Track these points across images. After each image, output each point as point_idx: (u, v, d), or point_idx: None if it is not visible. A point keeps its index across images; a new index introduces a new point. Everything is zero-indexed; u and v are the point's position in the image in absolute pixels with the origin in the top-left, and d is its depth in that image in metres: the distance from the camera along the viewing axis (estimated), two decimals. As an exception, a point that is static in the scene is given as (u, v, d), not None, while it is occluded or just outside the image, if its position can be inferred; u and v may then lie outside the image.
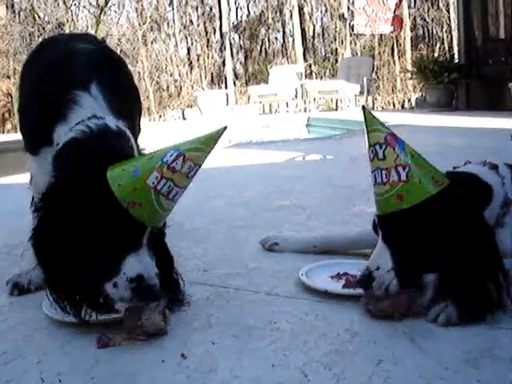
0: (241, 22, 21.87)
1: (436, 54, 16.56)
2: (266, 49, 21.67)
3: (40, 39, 17.36)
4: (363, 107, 1.83)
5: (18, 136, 2.34)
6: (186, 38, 21.04)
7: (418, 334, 1.60)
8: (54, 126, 1.85)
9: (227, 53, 18.93)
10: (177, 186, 1.59)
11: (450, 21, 19.21)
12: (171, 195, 1.59)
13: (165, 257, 1.83)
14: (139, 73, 18.77)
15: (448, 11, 19.34)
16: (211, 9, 21.16)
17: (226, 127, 1.65)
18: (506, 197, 1.86)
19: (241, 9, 21.90)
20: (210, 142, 1.63)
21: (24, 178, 2.43)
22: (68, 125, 1.80)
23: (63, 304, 1.66)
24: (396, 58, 19.36)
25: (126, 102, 2.01)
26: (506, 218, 1.86)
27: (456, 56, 12.92)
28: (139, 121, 2.17)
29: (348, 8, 18.20)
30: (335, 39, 20.44)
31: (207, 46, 20.73)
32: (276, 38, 21.76)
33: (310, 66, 20.01)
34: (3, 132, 15.92)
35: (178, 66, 20.07)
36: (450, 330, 1.61)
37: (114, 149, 1.71)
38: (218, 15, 20.52)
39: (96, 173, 1.60)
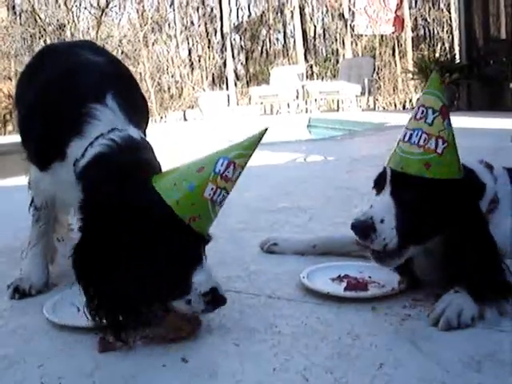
0: (242, 22, 21.87)
1: (437, 55, 16.57)
2: (267, 49, 21.68)
3: (41, 41, 17.42)
4: (436, 71, 1.85)
5: (19, 138, 2.34)
6: (187, 39, 21.05)
7: (420, 338, 1.59)
8: (67, 140, 1.82)
9: (228, 54, 18.94)
10: (227, 193, 1.62)
11: (451, 21, 19.20)
12: (223, 202, 1.62)
13: None
14: (140, 74, 18.78)
15: (449, 11, 19.32)
16: (212, 10, 21.18)
17: (267, 129, 1.66)
18: (494, 195, 1.92)
19: (242, 9, 21.91)
20: (253, 145, 1.65)
21: (24, 180, 2.43)
22: (85, 139, 1.77)
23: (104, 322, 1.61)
24: (397, 58, 19.35)
25: (140, 113, 2.00)
26: (491, 216, 1.90)
27: (457, 56, 12.91)
28: (145, 130, 2.17)
29: (349, 8, 18.20)
30: (336, 40, 20.43)
31: (208, 47, 20.74)
32: (277, 39, 21.77)
33: (311, 66, 20.01)
34: (4, 133, 15.93)
35: (179, 67, 20.09)
36: (451, 333, 1.61)
37: (146, 160, 1.72)
38: (218, 16, 20.54)
39: (142, 187, 1.59)
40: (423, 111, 1.78)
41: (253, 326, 1.73)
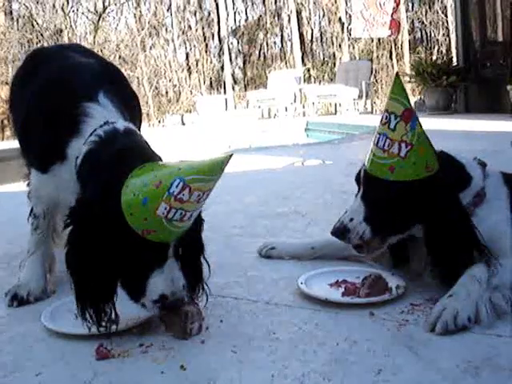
0: (239, 26, 21.88)
1: (434, 57, 16.56)
2: (264, 53, 21.69)
3: (38, 46, 17.41)
4: (397, 74, 1.95)
5: (17, 144, 2.34)
6: (185, 43, 21.08)
7: (418, 343, 1.60)
8: (67, 141, 1.86)
9: (226, 58, 18.98)
10: (188, 212, 1.58)
11: (447, 24, 19.24)
12: (185, 218, 1.58)
13: (195, 264, 1.84)
14: (138, 78, 18.80)
15: (446, 14, 19.37)
16: (209, 14, 21.20)
17: (231, 155, 1.57)
18: (480, 189, 2.00)
19: (239, 13, 21.92)
20: (214, 170, 1.56)
21: (23, 186, 2.43)
22: (82, 137, 1.82)
23: (87, 315, 1.67)
24: (394, 61, 19.38)
25: (131, 108, 2.04)
26: (477, 210, 1.97)
27: (454, 59, 12.92)
28: (140, 127, 2.18)
29: (346, 12, 18.23)
30: (333, 43, 20.46)
31: (206, 51, 20.76)
32: (274, 43, 21.79)
33: (309, 70, 20.03)
34: (2, 139, 15.91)
35: (176, 71, 20.10)
36: (449, 338, 1.61)
37: (127, 151, 1.73)
38: (216, 20, 20.57)
39: (111, 192, 1.60)
40: (387, 116, 1.88)
41: (251, 332, 1.73)
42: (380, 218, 1.94)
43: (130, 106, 2.04)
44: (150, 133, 12.19)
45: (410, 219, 1.93)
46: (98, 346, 1.63)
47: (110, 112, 1.87)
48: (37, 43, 18.38)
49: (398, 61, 19.38)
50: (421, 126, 1.88)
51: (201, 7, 21.25)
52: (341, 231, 1.97)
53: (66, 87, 1.96)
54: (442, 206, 1.88)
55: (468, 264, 1.83)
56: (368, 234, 1.95)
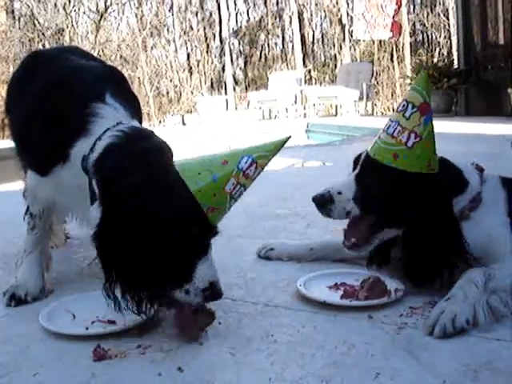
0: (240, 27, 21.89)
1: (435, 60, 16.57)
2: (265, 54, 21.69)
3: (40, 45, 17.44)
4: (425, 69, 1.96)
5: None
6: (186, 44, 21.08)
7: (416, 346, 1.59)
8: (71, 141, 1.83)
9: (227, 58, 18.99)
10: (245, 189, 1.67)
11: (449, 26, 19.24)
12: (239, 198, 1.67)
13: None
14: (139, 78, 18.81)
15: (447, 17, 19.37)
16: (211, 14, 21.20)
17: (289, 136, 1.74)
18: (477, 194, 2.00)
19: (240, 14, 21.93)
20: (276, 149, 1.71)
21: (21, 185, 2.43)
22: (92, 136, 1.79)
23: (127, 299, 1.65)
24: (395, 63, 19.38)
25: (135, 109, 2.04)
26: (473, 214, 1.98)
27: (455, 62, 12.93)
28: None
29: (347, 14, 18.23)
30: (334, 45, 20.46)
31: (207, 52, 20.77)
32: (276, 44, 21.79)
33: (310, 71, 20.03)
34: (2, 138, 15.91)
35: (177, 71, 20.11)
36: (447, 342, 1.60)
37: (160, 144, 1.77)
38: (217, 21, 20.58)
39: (167, 172, 1.62)
40: (404, 105, 1.91)
41: (249, 334, 1.72)
42: (370, 201, 1.94)
43: (133, 106, 2.04)
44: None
45: (399, 212, 1.93)
46: (95, 347, 1.62)
47: (119, 113, 1.87)
48: (38, 42, 18.40)
49: (399, 63, 19.37)
50: (432, 125, 1.90)
51: (202, 8, 21.26)
52: (324, 200, 1.97)
53: (71, 89, 1.95)
54: (434, 207, 1.89)
55: (446, 267, 1.86)
56: (356, 212, 1.95)
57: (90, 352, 1.61)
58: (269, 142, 1.73)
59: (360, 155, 2.03)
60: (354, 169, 2.03)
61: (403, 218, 1.93)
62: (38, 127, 1.95)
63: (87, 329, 1.76)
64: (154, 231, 1.56)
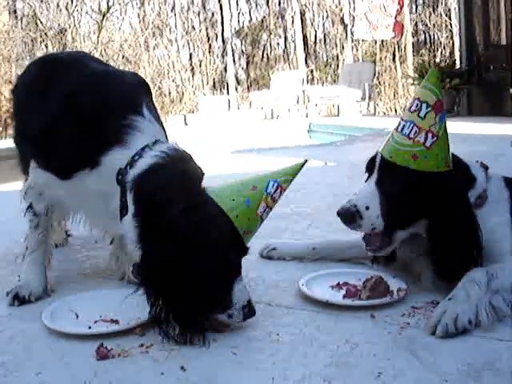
0: (242, 27, 21.87)
1: (437, 60, 16.58)
2: (267, 54, 21.68)
3: (42, 45, 17.45)
4: (436, 65, 1.95)
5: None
6: (188, 44, 21.06)
7: (419, 346, 1.59)
8: (104, 149, 1.84)
9: (229, 58, 18.98)
10: (270, 211, 1.78)
11: (451, 26, 19.21)
12: (265, 219, 1.78)
13: None
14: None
15: (449, 17, 19.35)
16: (213, 14, 21.20)
17: (306, 160, 1.87)
18: (483, 191, 2.00)
19: (243, 14, 21.91)
20: (295, 172, 1.84)
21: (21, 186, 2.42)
22: (129, 149, 1.82)
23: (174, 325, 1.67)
24: (397, 63, 19.36)
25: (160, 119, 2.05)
26: (478, 212, 1.96)
27: (457, 62, 12.90)
28: None
29: (349, 14, 18.23)
30: (336, 45, 20.45)
31: (209, 52, 20.76)
32: (278, 44, 21.77)
33: (312, 71, 20.02)
34: (5, 137, 15.93)
35: (179, 71, 20.10)
36: (450, 342, 1.61)
37: (196, 170, 1.82)
38: (219, 21, 20.57)
39: (206, 199, 1.71)
40: (417, 104, 1.88)
41: (252, 334, 1.73)
42: (397, 208, 1.89)
43: (159, 116, 2.05)
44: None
45: (421, 213, 1.91)
46: (98, 345, 1.62)
47: (155, 127, 1.91)
48: (41, 42, 18.41)
49: (401, 63, 19.35)
50: (445, 122, 1.89)
51: (204, 8, 21.26)
52: (351, 214, 1.90)
53: (106, 94, 1.94)
54: (453, 204, 1.88)
55: (468, 263, 1.84)
56: (380, 228, 1.91)
57: (92, 351, 1.62)
58: (287, 166, 1.85)
59: (373, 159, 1.98)
60: (369, 173, 1.98)
61: (427, 216, 1.92)
62: (66, 130, 1.93)
63: (90, 328, 1.76)
64: (200, 257, 1.63)
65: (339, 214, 1.92)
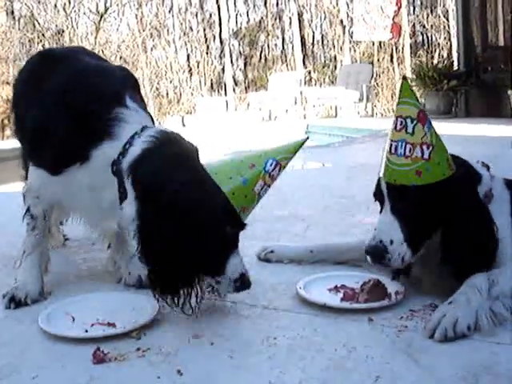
0: (240, 28, 21.85)
1: (435, 61, 16.55)
2: (265, 55, 21.66)
3: (40, 46, 17.43)
4: (404, 77, 1.92)
5: (17, 143, 2.32)
6: (186, 45, 21.04)
7: (416, 350, 1.59)
8: (93, 143, 1.88)
9: (227, 59, 18.98)
10: (269, 188, 1.86)
11: (449, 28, 19.22)
12: (265, 194, 1.86)
13: None
14: (139, 79, 18.76)
15: (447, 18, 19.36)
16: (211, 15, 21.18)
17: (307, 138, 1.98)
18: (488, 190, 1.98)
19: (240, 15, 21.89)
20: (295, 150, 1.90)
21: (21, 186, 2.41)
22: (118, 141, 1.85)
23: (165, 294, 1.78)
24: (395, 64, 19.36)
25: (147, 109, 2.08)
26: None
27: (455, 63, 12.90)
28: None
29: (347, 15, 18.24)
30: (334, 46, 20.45)
31: (207, 53, 20.74)
32: (276, 45, 21.74)
33: (310, 72, 20.01)
34: (2, 138, 15.90)
35: (177, 72, 20.09)
36: (448, 345, 1.60)
37: (191, 148, 1.88)
38: (217, 22, 20.55)
39: (203, 176, 1.77)
40: (402, 122, 1.85)
41: (249, 337, 1.72)
42: (418, 229, 1.86)
43: (146, 106, 2.09)
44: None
45: (439, 221, 1.88)
46: (94, 349, 1.62)
47: (141, 116, 1.95)
48: (38, 43, 18.38)
49: (398, 64, 19.35)
50: (433, 126, 1.87)
51: (202, 9, 21.24)
52: (379, 252, 1.85)
53: (92, 89, 1.97)
54: (467, 205, 1.86)
55: (487, 264, 1.83)
56: (409, 256, 1.86)
57: (89, 355, 1.61)
58: (288, 143, 1.90)
59: (378, 187, 1.94)
60: (380, 202, 1.94)
61: (439, 224, 1.89)
62: (57, 126, 1.94)
63: (86, 331, 1.76)
64: (196, 229, 1.70)
65: (368, 252, 1.88)
